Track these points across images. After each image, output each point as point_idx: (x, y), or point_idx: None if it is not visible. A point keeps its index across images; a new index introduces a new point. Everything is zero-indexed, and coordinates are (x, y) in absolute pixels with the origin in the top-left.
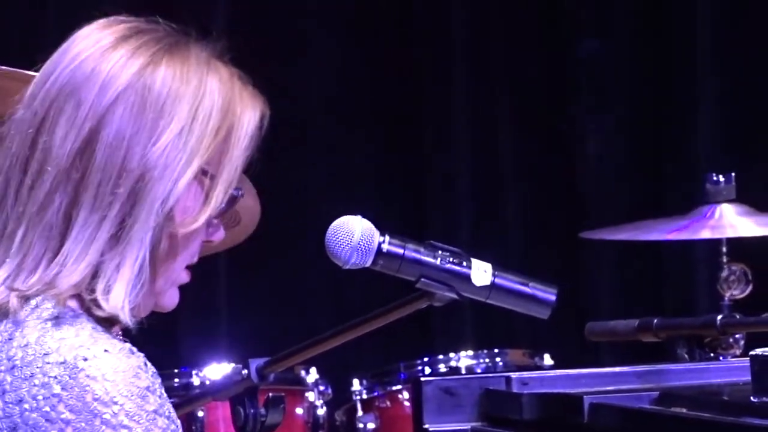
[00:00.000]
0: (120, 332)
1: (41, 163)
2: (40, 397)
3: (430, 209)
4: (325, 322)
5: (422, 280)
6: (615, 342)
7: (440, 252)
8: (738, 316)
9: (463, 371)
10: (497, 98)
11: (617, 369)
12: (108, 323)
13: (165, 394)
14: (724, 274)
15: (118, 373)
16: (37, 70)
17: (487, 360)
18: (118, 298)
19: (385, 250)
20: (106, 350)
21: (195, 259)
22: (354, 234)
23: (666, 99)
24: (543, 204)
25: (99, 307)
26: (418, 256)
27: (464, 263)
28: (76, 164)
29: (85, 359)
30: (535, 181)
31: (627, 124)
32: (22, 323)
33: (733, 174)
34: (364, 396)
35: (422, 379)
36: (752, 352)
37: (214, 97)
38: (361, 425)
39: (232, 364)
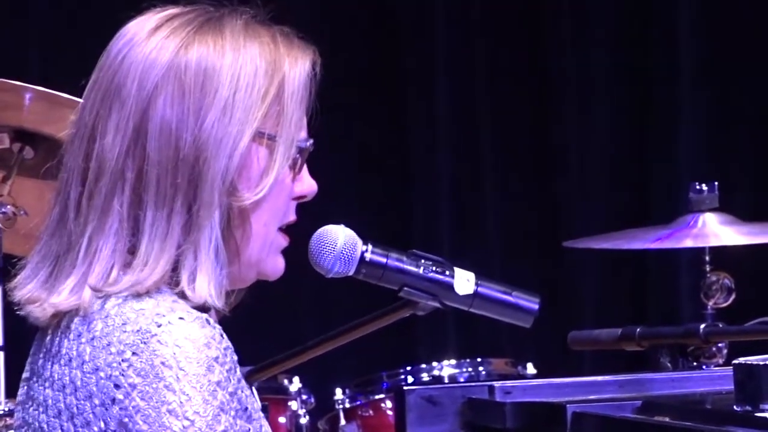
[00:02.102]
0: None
1: (96, 172)
2: (114, 364)
3: (411, 218)
4: (309, 330)
5: (405, 289)
6: (598, 351)
7: (423, 261)
8: (721, 325)
9: (446, 380)
10: (479, 106)
11: (600, 378)
12: (202, 311)
13: (237, 372)
14: (707, 282)
15: (189, 340)
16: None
17: (470, 369)
18: (203, 285)
19: (368, 259)
20: (181, 318)
21: (290, 219)
22: (337, 243)
23: (649, 108)
24: (525, 213)
25: (187, 297)
26: (400, 265)
27: (447, 272)
28: (128, 164)
29: (159, 325)
30: (518, 190)
31: (610, 132)
32: (104, 301)
33: (716, 183)
34: (347, 405)
35: (405, 388)
36: (735, 361)
37: (256, 63)
38: None
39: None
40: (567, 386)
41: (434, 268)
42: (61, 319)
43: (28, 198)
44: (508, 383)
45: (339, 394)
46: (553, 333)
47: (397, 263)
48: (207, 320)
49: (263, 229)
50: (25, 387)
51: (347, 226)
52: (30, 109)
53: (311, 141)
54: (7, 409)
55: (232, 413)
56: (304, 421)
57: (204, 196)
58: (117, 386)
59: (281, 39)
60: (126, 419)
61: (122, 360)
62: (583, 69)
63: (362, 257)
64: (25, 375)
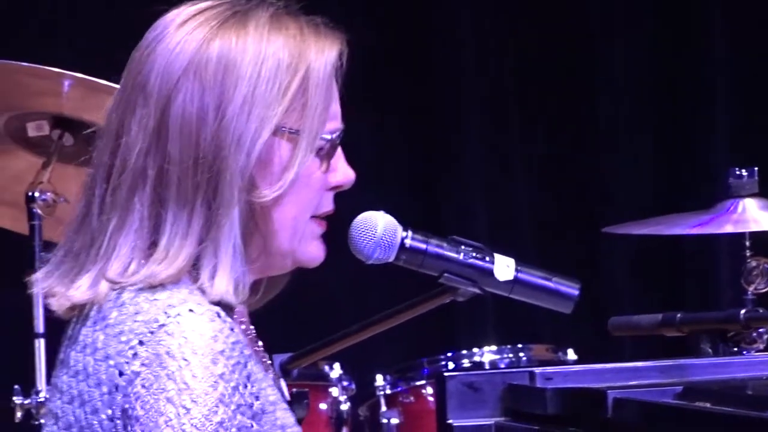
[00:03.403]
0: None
1: (120, 170)
2: (122, 353)
3: (447, 205)
4: (349, 317)
5: (445, 275)
6: (638, 337)
7: (463, 247)
8: (761, 310)
9: (487, 366)
10: (512, 90)
11: (640, 364)
12: (225, 308)
13: (249, 367)
14: (747, 268)
15: (197, 332)
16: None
17: (510, 355)
18: (222, 282)
19: (408, 245)
20: (191, 310)
21: (325, 210)
22: (377, 229)
23: (687, 93)
24: (565, 199)
25: (206, 293)
26: (441, 251)
27: (487, 258)
28: (150, 162)
29: (168, 316)
30: (557, 176)
31: (648, 118)
32: (120, 292)
33: (756, 168)
34: (388, 391)
35: (446, 374)
36: None
37: (279, 56)
38: (384, 420)
39: (267, 360)
40: (607, 372)
41: (474, 254)
42: (83, 308)
43: (67, 185)
44: (549, 369)
45: (380, 380)
46: (593, 319)
47: (437, 249)
48: (218, 314)
49: (291, 222)
50: (54, 377)
51: (386, 212)
52: (69, 95)
53: (340, 130)
54: (47, 396)
55: (233, 407)
56: (344, 407)
57: (224, 194)
58: (121, 374)
59: (308, 30)
60: (127, 406)
61: (129, 348)
62: (618, 52)
63: (402, 243)
64: (56, 361)
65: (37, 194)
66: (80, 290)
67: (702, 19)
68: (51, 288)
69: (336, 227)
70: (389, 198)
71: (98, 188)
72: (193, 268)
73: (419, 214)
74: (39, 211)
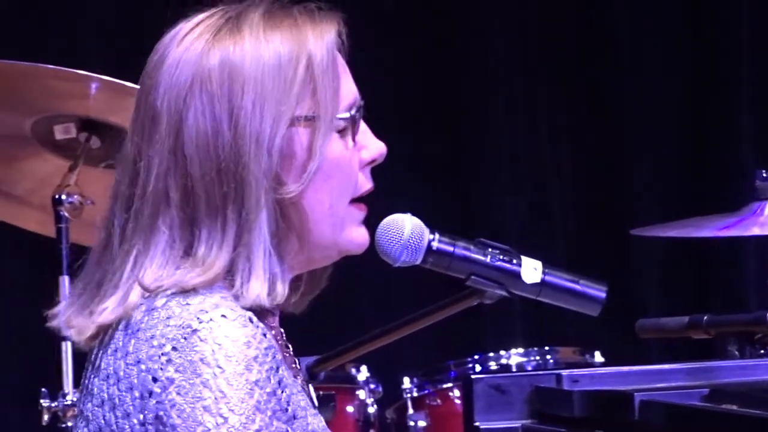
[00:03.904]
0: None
1: (140, 197)
2: (155, 358)
3: (477, 207)
4: (376, 320)
5: (472, 277)
6: (665, 339)
7: (490, 250)
8: None
9: (514, 369)
10: (541, 93)
11: (667, 366)
12: (260, 312)
13: (280, 371)
14: None
15: (229, 338)
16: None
17: (537, 357)
18: (255, 287)
19: (435, 248)
20: (223, 315)
21: (365, 189)
22: (404, 232)
23: (715, 95)
24: (592, 201)
25: (240, 298)
26: (468, 253)
27: (514, 261)
28: (171, 184)
29: (201, 321)
30: (584, 178)
31: (676, 121)
32: (152, 298)
33: None
34: (415, 394)
35: (473, 376)
36: None
37: (279, 52)
38: (411, 423)
39: (296, 365)
40: (634, 374)
41: (501, 257)
42: (105, 334)
43: (94, 187)
44: (576, 372)
45: (407, 383)
46: (621, 321)
47: (464, 252)
48: (250, 319)
49: (328, 211)
50: (84, 378)
51: (413, 215)
52: (96, 98)
53: (358, 105)
54: (75, 399)
55: (269, 413)
56: (371, 410)
57: (250, 198)
58: (155, 379)
59: (302, 19)
60: (161, 413)
61: (162, 354)
62: (646, 55)
63: (429, 246)
64: (86, 365)
65: (64, 197)
66: (106, 312)
67: (729, 22)
68: (70, 320)
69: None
70: (417, 201)
71: (117, 219)
72: (228, 275)
73: (447, 216)
74: (66, 214)
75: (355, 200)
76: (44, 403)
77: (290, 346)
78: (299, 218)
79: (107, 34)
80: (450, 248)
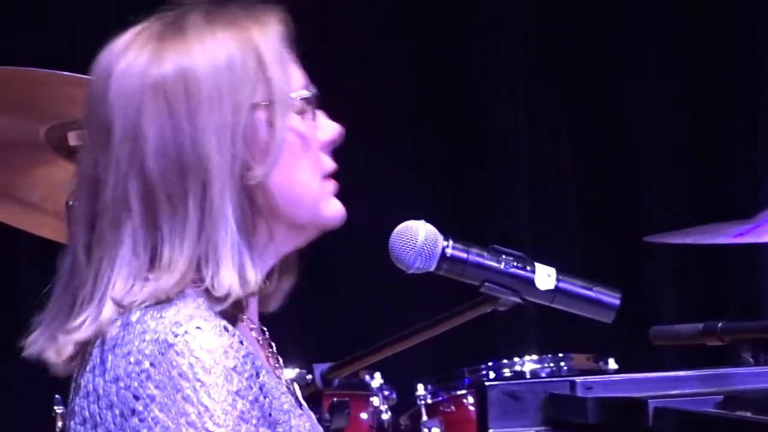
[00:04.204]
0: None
1: (102, 212)
2: (133, 375)
3: (490, 214)
4: (390, 326)
5: (486, 284)
6: (679, 346)
7: (504, 256)
8: None
9: (528, 375)
10: (556, 99)
11: (681, 373)
12: (235, 306)
13: (261, 377)
14: None
15: (206, 350)
16: None
17: (551, 364)
18: (227, 277)
19: (448, 255)
20: (198, 327)
21: (330, 167)
22: (418, 238)
23: (729, 104)
24: (606, 207)
25: (213, 292)
26: (481, 260)
27: (528, 267)
28: (131, 194)
29: (176, 335)
30: (597, 185)
31: (690, 126)
32: (127, 313)
33: None
34: (429, 401)
35: (487, 383)
36: None
37: (228, 48)
38: (425, 430)
39: (297, 369)
40: (648, 381)
41: (515, 264)
42: (84, 353)
43: None
44: (590, 378)
45: (420, 389)
46: (635, 328)
47: (478, 258)
48: (225, 327)
49: (301, 189)
50: (69, 399)
51: (427, 221)
52: None
53: (308, 87)
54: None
55: (254, 421)
56: (386, 416)
57: (213, 190)
58: (136, 397)
59: (243, 14)
60: (145, 430)
61: (141, 371)
62: (658, 60)
63: (443, 253)
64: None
65: None
66: (83, 328)
67: (747, 22)
68: (42, 348)
69: (377, 236)
70: (431, 207)
71: (82, 238)
72: (197, 273)
73: (461, 223)
74: None
75: (325, 177)
76: (58, 409)
77: (273, 344)
78: (272, 202)
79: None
80: (464, 255)
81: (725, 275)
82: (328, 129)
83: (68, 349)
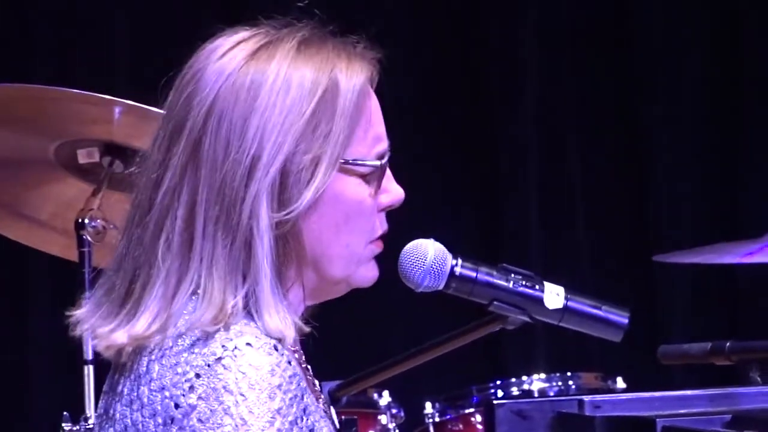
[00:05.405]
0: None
1: (162, 208)
2: (179, 385)
3: (501, 232)
4: (398, 345)
5: (495, 303)
6: (688, 365)
7: (513, 275)
8: None
9: (536, 394)
10: (568, 122)
11: (690, 392)
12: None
13: (305, 399)
14: None
15: (254, 367)
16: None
17: (559, 383)
18: (274, 323)
19: (457, 273)
20: (248, 344)
21: (380, 232)
22: (427, 257)
23: (740, 122)
24: (616, 227)
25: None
26: (490, 279)
27: (537, 286)
28: (180, 200)
29: (226, 349)
30: (608, 204)
31: (701, 146)
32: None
33: None
34: (437, 419)
35: (495, 402)
36: None
37: (303, 83)
38: None
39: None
40: (657, 400)
41: (524, 282)
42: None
43: (118, 212)
44: (598, 397)
45: (429, 408)
46: (643, 347)
47: (487, 277)
48: (275, 346)
49: (346, 251)
50: (103, 401)
51: (436, 240)
52: (120, 122)
53: (387, 153)
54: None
55: None
56: None
57: (255, 235)
58: (177, 406)
59: (335, 53)
60: None
61: (185, 380)
62: (674, 78)
63: (452, 271)
64: (104, 388)
65: (87, 221)
66: (140, 330)
67: (758, 43)
68: (94, 329)
69: (386, 255)
70: (440, 226)
71: (134, 229)
72: (244, 309)
73: (472, 241)
74: (89, 238)
75: (372, 241)
76: (66, 426)
77: (309, 368)
78: (303, 251)
79: (131, 58)
80: (473, 273)
81: (737, 294)
82: (392, 194)
83: (117, 345)
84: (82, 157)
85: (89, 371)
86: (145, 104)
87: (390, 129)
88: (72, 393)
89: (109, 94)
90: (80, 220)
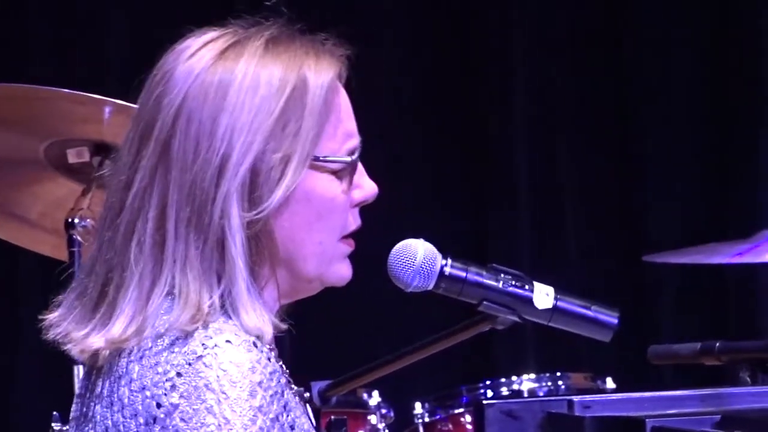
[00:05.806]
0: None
1: (128, 213)
2: (159, 384)
3: (491, 232)
4: (388, 345)
5: (484, 303)
6: (677, 365)
7: (502, 275)
8: None
9: (526, 394)
10: (559, 118)
11: (679, 392)
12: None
13: (285, 395)
14: None
15: (234, 364)
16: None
17: (549, 383)
18: (251, 320)
19: (447, 273)
20: (228, 341)
21: (353, 228)
22: (416, 257)
23: (729, 123)
24: (606, 227)
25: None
26: (480, 279)
27: (526, 286)
28: (151, 202)
29: (206, 347)
30: (598, 205)
31: (690, 146)
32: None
33: None
34: (427, 419)
35: (484, 402)
36: None
37: (270, 82)
38: None
39: (294, 387)
40: (646, 400)
41: (514, 282)
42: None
43: None
44: (588, 397)
45: (418, 408)
46: (633, 347)
47: (476, 277)
48: (254, 343)
49: (319, 248)
50: (79, 403)
51: (426, 240)
52: (110, 122)
53: (358, 148)
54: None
55: None
56: None
57: (228, 233)
58: (159, 405)
59: (304, 51)
60: None
61: (167, 380)
62: (664, 79)
63: (442, 271)
64: (79, 391)
65: (76, 221)
66: (116, 333)
67: (750, 44)
68: (67, 333)
69: (375, 255)
70: (432, 226)
71: (107, 231)
72: (221, 308)
73: (462, 241)
74: (78, 238)
75: (344, 236)
76: (56, 426)
77: (284, 365)
78: (276, 250)
79: (122, 57)
80: (462, 273)
81: (726, 294)
82: (363, 190)
83: (93, 349)
84: (72, 156)
85: (78, 371)
86: (135, 104)
87: (387, 128)
88: (62, 393)
89: (107, 94)
90: (70, 220)
